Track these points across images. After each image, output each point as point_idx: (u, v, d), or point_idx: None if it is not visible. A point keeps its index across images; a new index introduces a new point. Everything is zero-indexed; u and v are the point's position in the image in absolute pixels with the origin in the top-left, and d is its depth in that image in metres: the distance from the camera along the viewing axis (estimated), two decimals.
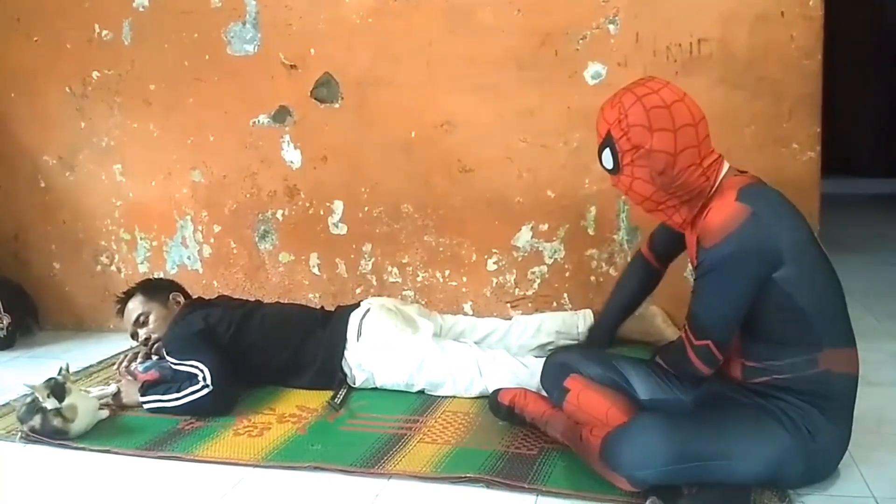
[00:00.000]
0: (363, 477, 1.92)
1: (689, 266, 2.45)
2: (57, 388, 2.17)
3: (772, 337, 1.69)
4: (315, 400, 2.40)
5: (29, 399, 2.22)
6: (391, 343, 2.43)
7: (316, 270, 3.07)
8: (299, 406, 2.37)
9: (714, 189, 1.72)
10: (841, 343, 1.70)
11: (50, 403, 2.16)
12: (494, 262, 2.89)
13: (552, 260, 2.84)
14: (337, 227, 3.02)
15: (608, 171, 1.78)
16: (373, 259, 3.00)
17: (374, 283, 3.01)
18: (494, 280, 2.90)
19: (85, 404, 2.22)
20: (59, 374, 2.22)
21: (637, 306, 2.22)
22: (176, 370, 2.39)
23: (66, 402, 2.17)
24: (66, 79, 3.17)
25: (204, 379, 2.30)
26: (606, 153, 1.74)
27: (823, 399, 1.67)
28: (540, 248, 2.84)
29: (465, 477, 1.86)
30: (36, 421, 2.18)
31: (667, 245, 2.06)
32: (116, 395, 2.40)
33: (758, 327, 1.69)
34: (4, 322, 3.15)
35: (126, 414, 2.36)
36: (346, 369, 2.47)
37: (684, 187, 1.71)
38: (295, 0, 2.89)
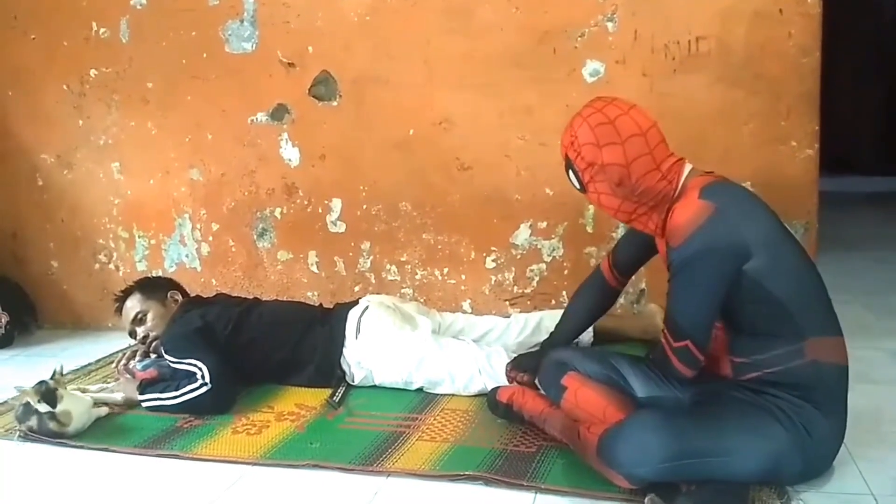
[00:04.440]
0: (362, 475, 1.92)
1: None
2: (48, 395, 2.15)
3: (755, 330, 1.71)
4: (314, 398, 2.40)
5: (25, 400, 2.22)
6: (390, 341, 2.43)
7: (314, 268, 3.07)
8: (298, 404, 2.37)
9: (678, 191, 1.75)
10: (824, 332, 1.71)
11: (42, 407, 2.15)
12: (493, 260, 2.89)
13: (551, 258, 2.84)
14: (335, 225, 3.02)
15: (578, 190, 1.85)
16: (371, 257, 3.00)
17: (373, 281, 3.01)
18: (493, 278, 2.90)
19: (79, 407, 2.21)
20: (52, 376, 2.20)
21: (590, 325, 2.27)
22: (174, 368, 2.39)
23: (60, 408, 2.16)
24: (63, 77, 3.17)
25: (202, 377, 2.30)
26: (570, 175, 1.83)
27: (815, 392, 1.68)
28: (538, 246, 2.84)
29: (464, 475, 1.86)
30: (33, 421, 2.18)
31: (630, 256, 2.08)
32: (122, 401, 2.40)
33: (740, 322, 1.71)
34: (2, 320, 3.15)
35: (124, 412, 2.36)
36: (344, 367, 2.47)
37: (648, 194, 1.74)
38: None
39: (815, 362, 1.67)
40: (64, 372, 2.27)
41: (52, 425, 2.16)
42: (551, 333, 2.29)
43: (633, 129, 1.72)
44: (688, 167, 1.78)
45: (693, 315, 1.68)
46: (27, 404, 2.19)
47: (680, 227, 1.66)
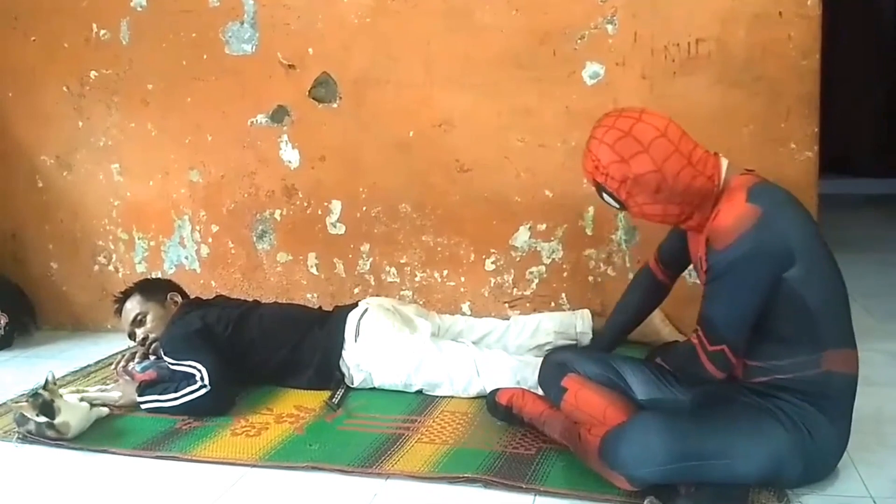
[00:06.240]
0: (361, 477, 1.92)
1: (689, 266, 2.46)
2: (45, 408, 2.15)
3: (777, 336, 1.69)
4: (313, 400, 2.40)
5: (23, 413, 2.20)
6: (389, 343, 2.43)
7: (314, 270, 3.07)
8: (297, 406, 2.37)
9: (721, 188, 1.72)
10: (843, 343, 1.70)
11: (40, 419, 2.15)
12: (492, 262, 2.89)
13: (550, 260, 2.83)
14: (335, 226, 3.02)
15: (618, 209, 1.82)
16: (371, 259, 3.00)
17: (373, 283, 3.01)
18: (492, 280, 2.90)
19: (77, 415, 2.20)
20: (44, 385, 2.19)
21: (641, 321, 2.20)
22: (173, 370, 2.39)
23: (58, 419, 2.15)
24: (63, 78, 3.17)
25: (202, 379, 2.29)
26: (605, 197, 1.79)
27: (823, 399, 1.67)
28: (538, 248, 2.84)
29: (463, 477, 1.86)
30: (32, 426, 2.17)
31: (676, 255, 2.03)
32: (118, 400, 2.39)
33: (764, 327, 1.68)
34: (2, 322, 3.14)
35: (124, 414, 2.36)
36: (343, 369, 2.47)
37: (689, 192, 1.71)
38: None
39: (829, 372, 1.67)
40: (56, 379, 2.26)
41: (50, 433, 2.16)
42: (603, 328, 2.25)
43: (652, 133, 1.69)
44: (725, 162, 1.75)
45: (734, 320, 1.66)
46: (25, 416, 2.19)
47: (726, 230, 1.63)
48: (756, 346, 1.72)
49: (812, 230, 1.71)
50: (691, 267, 2.00)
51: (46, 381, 2.21)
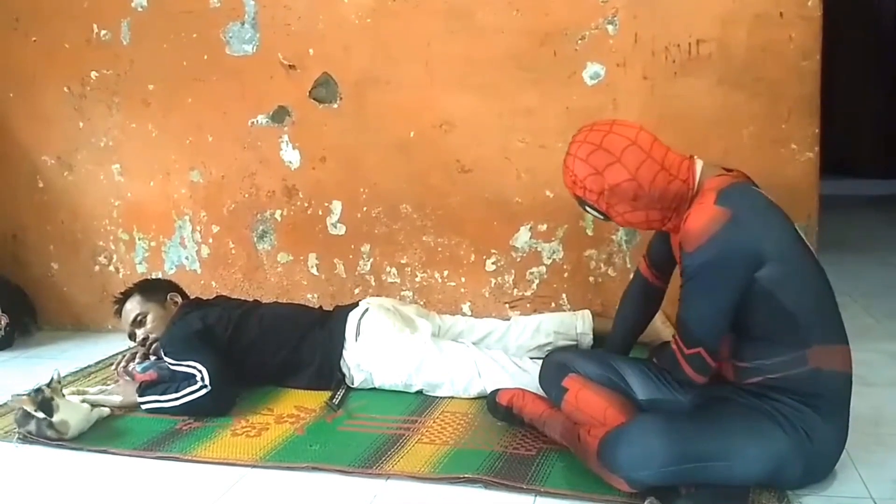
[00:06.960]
0: (361, 477, 1.92)
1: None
2: (44, 405, 2.15)
3: (759, 336, 1.70)
4: (313, 400, 2.40)
5: (23, 408, 2.21)
6: (389, 343, 2.43)
7: (314, 271, 3.07)
8: (297, 406, 2.37)
9: (695, 189, 1.74)
10: (829, 340, 1.70)
11: (39, 415, 2.15)
12: (493, 263, 2.89)
13: (551, 260, 2.83)
14: (335, 227, 3.02)
15: (603, 220, 1.87)
16: (371, 259, 3.00)
17: (373, 283, 3.01)
18: (493, 280, 2.90)
19: (76, 416, 2.20)
20: (48, 383, 2.19)
21: (643, 330, 2.19)
22: (174, 370, 2.39)
23: (57, 418, 2.15)
24: (64, 79, 3.17)
25: (202, 379, 2.30)
26: (589, 210, 1.84)
27: (817, 398, 1.68)
28: (538, 249, 2.84)
29: (464, 477, 1.86)
30: (32, 426, 2.18)
31: (665, 255, 2.03)
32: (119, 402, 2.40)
33: (746, 327, 1.70)
34: (2, 322, 3.15)
35: (124, 414, 2.36)
36: (344, 369, 2.47)
37: (666, 196, 1.74)
38: (294, 0, 2.89)
39: (818, 370, 1.67)
40: (61, 378, 2.26)
41: (50, 433, 2.16)
42: (605, 346, 2.22)
43: (623, 143, 1.73)
44: (699, 164, 1.77)
45: (706, 323, 1.67)
46: (25, 411, 2.19)
47: (694, 233, 1.65)
48: (741, 346, 1.73)
49: (786, 229, 1.72)
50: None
51: (51, 379, 2.21)
